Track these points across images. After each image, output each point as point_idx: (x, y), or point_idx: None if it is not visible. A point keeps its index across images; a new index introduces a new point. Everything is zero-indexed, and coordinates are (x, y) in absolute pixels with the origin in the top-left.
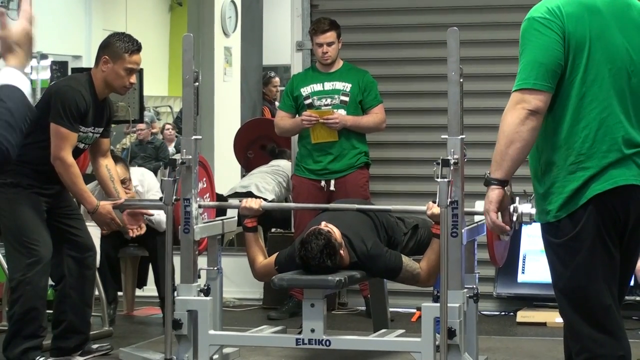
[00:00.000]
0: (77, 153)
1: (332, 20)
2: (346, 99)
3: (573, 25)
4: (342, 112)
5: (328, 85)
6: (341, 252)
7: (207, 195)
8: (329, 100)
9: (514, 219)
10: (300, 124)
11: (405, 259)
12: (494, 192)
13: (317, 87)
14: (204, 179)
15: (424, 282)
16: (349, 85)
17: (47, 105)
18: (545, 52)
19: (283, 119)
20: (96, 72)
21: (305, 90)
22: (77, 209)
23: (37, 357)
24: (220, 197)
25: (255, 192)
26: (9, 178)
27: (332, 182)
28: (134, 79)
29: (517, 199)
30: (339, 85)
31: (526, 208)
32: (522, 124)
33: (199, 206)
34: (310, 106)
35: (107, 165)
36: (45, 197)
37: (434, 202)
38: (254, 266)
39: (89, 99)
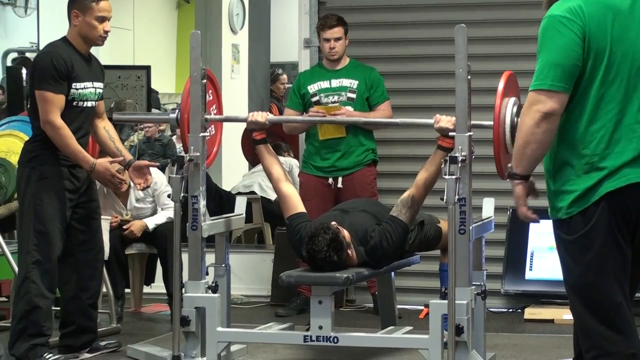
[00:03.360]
0: (86, 114)
1: (340, 17)
2: (353, 95)
3: (594, 26)
4: (350, 109)
5: (335, 82)
6: (349, 251)
7: (214, 106)
8: (336, 97)
9: None
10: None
11: (396, 210)
12: (519, 188)
13: (324, 84)
14: (210, 91)
15: (421, 198)
16: (356, 82)
17: (33, 77)
18: (564, 52)
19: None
20: (71, 29)
21: (312, 88)
22: (99, 206)
23: (45, 354)
24: (227, 194)
25: (259, 192)
26: (37, 165)
27: (340, 179)
28: (108, 26)
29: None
30: (346, 82)
31: None
32: (537, 126)
33: (205, 120)
34: (318, 103)
35: (105, 127)
36: (72, 192)
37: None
38: (273, 181)
39: (69, 54)
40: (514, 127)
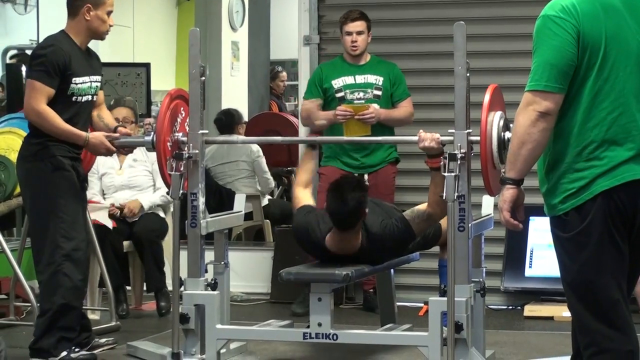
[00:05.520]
0: (83, 108)
1: (363, 12)
2: (379, 92)
3: (588, 24)
4: (376, 106)
5: (360, 78)
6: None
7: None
8: (361, 94)
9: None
10: (332, 118)
11: (409, 215)
12: (509, 192)
13: (349, 79)
14: (182, 108)
15: (439, 216)
16: (381, 79)
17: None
18: (558, 53)
19: (307, 105)
20: (76, 23)
21: (336, 83)
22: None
23: (74, 347)
24: (228, 191)
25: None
26: (46, 157)
27: (366, 176)
28: (112, 20)
29: (512, 125)
30: (371, 78)
31: None
32: (533, 126)
33: (205, 142)
34: (342, 99)
35: (99, 114)
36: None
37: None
38: (296, 182)
39: (68, 48)
40: (501, 142)
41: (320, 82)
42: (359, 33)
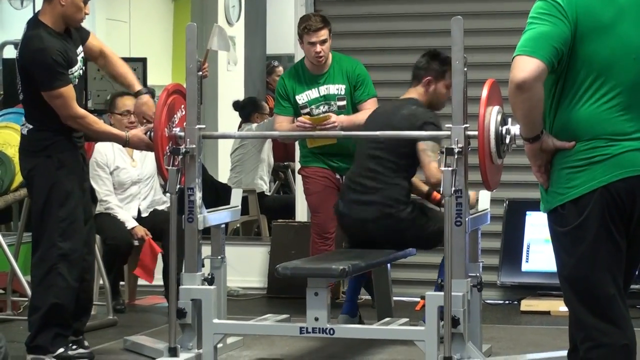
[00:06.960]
0: (79, 84)
1: (322, 16)
2: (343, 103)
3: (584, 14)
4: (342, 117)
5: (322, 90)
6: None
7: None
8: (326, 107)
9: (507, 141)
10: (295, 130)
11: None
12: (528, 148)
13: (313, 93)
14: (182, 106)
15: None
16: (343, 87)
17: (31, 76)
18: (552, 29)
19: (282, 125)
20: (51, 8)
21: (301, 98)
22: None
23: (71, 344)
24: (224, 187)
25: (258, 189)
26: (53, 153)
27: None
28: (88, 9)
29: (510, 120)
30: (332, 89)
31: (517, 129)
32: (515, 96)
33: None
34: (309, 115)
35: (114, 71)
36: (86, 177)
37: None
38: None
39: (59, 42)
40: (499, 136)
41: (285, 95)
42: (323, 42)
